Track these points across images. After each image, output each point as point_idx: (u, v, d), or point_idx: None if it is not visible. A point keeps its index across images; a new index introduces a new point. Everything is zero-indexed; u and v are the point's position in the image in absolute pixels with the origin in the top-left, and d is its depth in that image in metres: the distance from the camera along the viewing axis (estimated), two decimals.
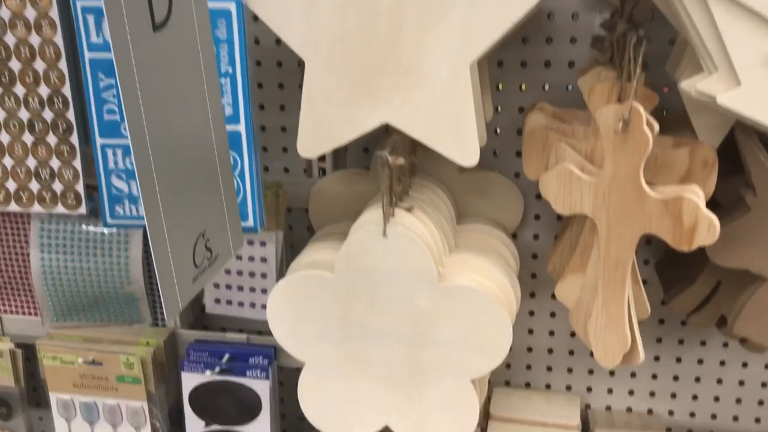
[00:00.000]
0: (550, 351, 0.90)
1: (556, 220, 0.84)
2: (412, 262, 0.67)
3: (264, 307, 0.86)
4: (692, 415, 0.90)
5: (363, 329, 0.71)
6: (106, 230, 0.81)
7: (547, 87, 0.80)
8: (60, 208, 0.72)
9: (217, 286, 0.87)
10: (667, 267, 0.81)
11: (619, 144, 0.59)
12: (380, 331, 0.70)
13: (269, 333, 0.77)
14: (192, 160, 0.56)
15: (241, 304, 0.87)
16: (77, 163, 0.70)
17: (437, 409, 0.72)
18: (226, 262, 0.62)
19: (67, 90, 0.69)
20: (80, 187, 0.71)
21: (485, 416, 0.85)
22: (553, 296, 0.87)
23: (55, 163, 0.71)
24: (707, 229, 0.57)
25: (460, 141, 0.62)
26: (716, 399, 0.89)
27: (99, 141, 0.68)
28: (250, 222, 0.69)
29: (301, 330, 0.72)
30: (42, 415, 1.03)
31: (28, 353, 0.92)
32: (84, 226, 0.81)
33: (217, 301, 0.87)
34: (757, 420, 0.89)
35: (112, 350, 0.84)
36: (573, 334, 0.89)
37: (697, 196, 0.57)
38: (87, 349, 0.84)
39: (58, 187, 0.71)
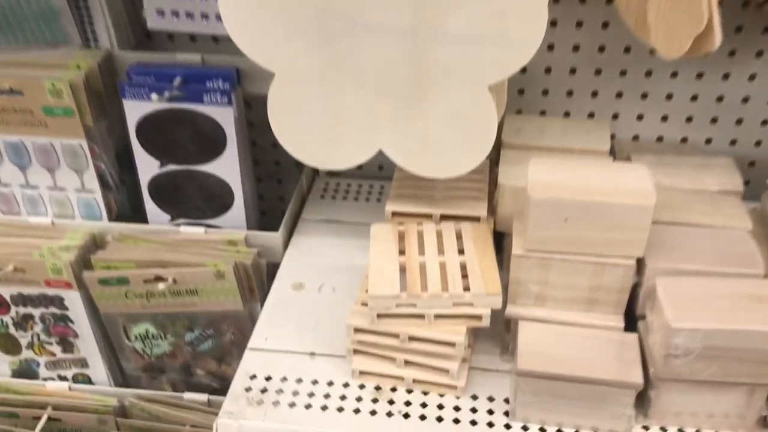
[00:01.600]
0: (573, 71, 0.75)
1: None
2: None
3: (220, 18, 0.69)
4: (733, 143, 0.77)
5: (349, 23, 0.55)
6: None
7: None
8: None
9: None
10: None
11: None
12: (372, 24, 0.54)
13: (231, 53, 0.60)
14: None
15: (190, 15, 0.69)
16: None
17: (445, 125, 0.58)
18: None
19: None
20: None
21: (495, 144, 0.71)
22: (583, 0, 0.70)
23: None
24: None
25: None
26: (764, 123, 0.76)
27: None
28: None
29: (269, 28, 0.56)
30: None
31: None
32: None
33: (160, 13, 0.69)
34: None
35: (33, 75, 0.67)
36: (602, 49, 0.73)
37: None
38: (1, 75, 0.67)
39: None
